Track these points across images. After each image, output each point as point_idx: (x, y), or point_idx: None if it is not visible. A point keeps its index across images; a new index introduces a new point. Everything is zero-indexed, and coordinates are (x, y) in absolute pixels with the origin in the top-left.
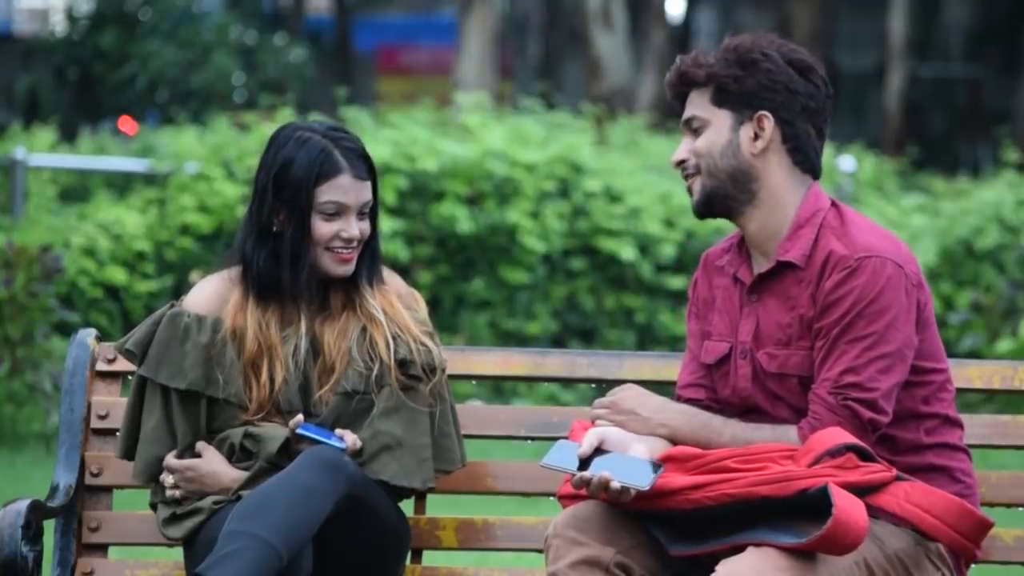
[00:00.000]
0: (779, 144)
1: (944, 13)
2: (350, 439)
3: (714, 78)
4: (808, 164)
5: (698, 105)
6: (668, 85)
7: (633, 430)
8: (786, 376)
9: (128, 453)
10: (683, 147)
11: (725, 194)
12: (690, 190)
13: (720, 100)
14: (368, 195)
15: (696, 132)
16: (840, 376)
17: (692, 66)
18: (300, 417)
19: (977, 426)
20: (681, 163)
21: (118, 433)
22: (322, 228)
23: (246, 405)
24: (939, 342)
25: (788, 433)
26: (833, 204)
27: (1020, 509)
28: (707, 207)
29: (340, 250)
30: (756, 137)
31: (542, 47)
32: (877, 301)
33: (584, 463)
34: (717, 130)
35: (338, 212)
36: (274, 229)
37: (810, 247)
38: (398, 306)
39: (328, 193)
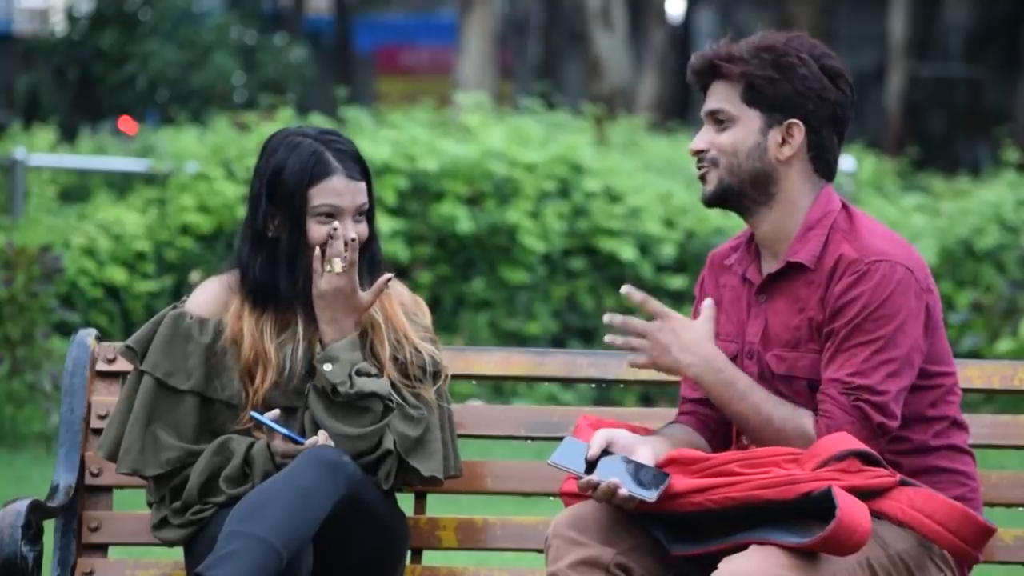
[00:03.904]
0: (804, 151)
1: (944, 13)
2: (312, 440)
3: (748, 77)
4: (826, 170)
5: (726, 99)
6: (693, 71)
7: (662, 365)
8: (794, 378)
9: (123, 453)
10: (704, 136)
11: (741, 193)
12: (703, 178)
13: (751, 99)
14: (363, 197)
15: (721, 124)
16: (850, 378)
17: (725, 59)
18: (277, 412)
19: (977, 426)
20: (700, 152)
21: (107, 432)
22: (318, 231)
23: (243, 407)
24: (947, 345)
25: (807, 420)
26: (844, 206)
27: (1020, 509)
28: (719, 200)
29: None
30: (783, 143)
31: (542, 47)
32: (886, 305)
33: (590, 464)
34: (745, 129)
35: (333, 215)
36: (270, 235)
37: (820, 249)
38: (400, 313)
39: (321, 196)
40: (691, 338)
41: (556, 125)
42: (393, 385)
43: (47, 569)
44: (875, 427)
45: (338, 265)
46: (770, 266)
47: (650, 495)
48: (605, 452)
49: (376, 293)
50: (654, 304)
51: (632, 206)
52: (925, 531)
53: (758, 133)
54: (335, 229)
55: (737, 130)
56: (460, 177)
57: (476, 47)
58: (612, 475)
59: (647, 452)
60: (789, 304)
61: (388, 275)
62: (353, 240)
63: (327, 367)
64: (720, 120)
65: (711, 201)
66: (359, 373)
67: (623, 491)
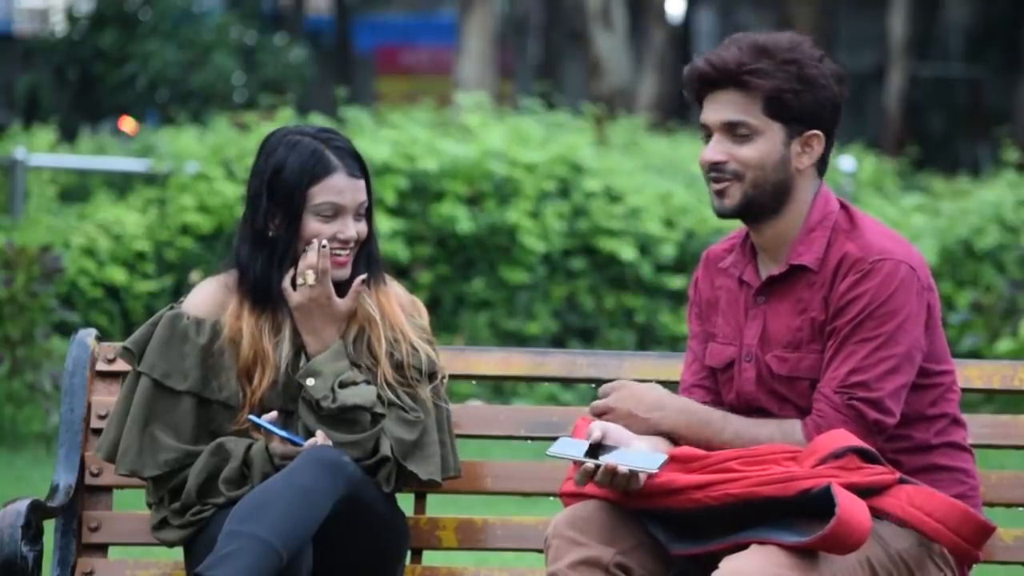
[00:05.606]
0: (817, 158)
1: (944, 13)
2: (311, 442)
3: (775, 90)
4: (824, 169)
5: (745, 110)
6: (699, 77)
7: (636, 430)
8: (797, 379)
9: (121, 454)
10: (720, 148)
11: (763, 204)
12: (722, 193)
13: (774, 112)
14: (363, 195)
15: (739, 137)
16: (847, 376)
17: (750, 73)
18: (274, 414)
19: (977, 426)
20: (718, 163)
21: (105, 433)
22: (317, 229)
23: (241, 407)
24: (945, 344)
25: (794, 429)
26: (842, 206)
27: (1020, 509)
28: (740, 213)
29: (335, 252)
30: (803, 153)
31: (542, 47)
32: (889, 303)
33: (588, 453)
34: (770, 143)
35: (335, 213)
36: (271, 234)
37: (823, 250)
38: (397, 310)
39: (323, 194)
40: (655, 396)
41: (556, 125)
42: (389, 385)
43: (47, 569)
44: (871, 424)
45: (311, 277)
46: (769, 268)
47: (652, 467)
48: (602, 446)
49: (354, 298)
50: (603, 393)
51: (632, 206)
52: (925, 529)
53: (782, 145)
54: (313, 243)
55: (761, 143)
56: (460, 177)
57: (476, 47)
58: (610, 459)
59: (645, 447)
60: (790, 305)
61: (361, 276)
62: (324, 247)
63: (310, 382)
64: (739, 133)
65: (731, 214)
66: (343, 384)
67: (623, 468)
